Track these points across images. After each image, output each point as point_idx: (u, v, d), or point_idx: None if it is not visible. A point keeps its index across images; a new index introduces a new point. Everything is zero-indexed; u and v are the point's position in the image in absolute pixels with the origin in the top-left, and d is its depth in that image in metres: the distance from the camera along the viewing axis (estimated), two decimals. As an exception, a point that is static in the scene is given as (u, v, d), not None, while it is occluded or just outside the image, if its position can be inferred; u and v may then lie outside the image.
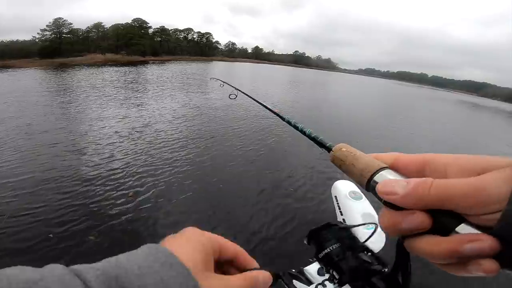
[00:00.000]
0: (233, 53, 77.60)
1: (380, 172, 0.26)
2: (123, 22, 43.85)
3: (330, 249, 0.39)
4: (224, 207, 3.33)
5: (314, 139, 0.44)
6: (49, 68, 20.66)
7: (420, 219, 0.21)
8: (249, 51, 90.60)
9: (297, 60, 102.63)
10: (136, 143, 5.24)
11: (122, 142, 5.26)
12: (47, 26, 36.06)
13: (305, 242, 0.43)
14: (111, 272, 0.20)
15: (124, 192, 3.46)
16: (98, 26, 41.02)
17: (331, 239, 0.39)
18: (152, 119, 7.03)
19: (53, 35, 36.08)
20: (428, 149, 7.36)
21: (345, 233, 0.41)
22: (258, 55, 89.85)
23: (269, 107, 0.89)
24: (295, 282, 0.94)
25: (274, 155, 5.27)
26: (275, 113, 0.79)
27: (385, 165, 0.26)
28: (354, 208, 0.80)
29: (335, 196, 0.86)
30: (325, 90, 22.91)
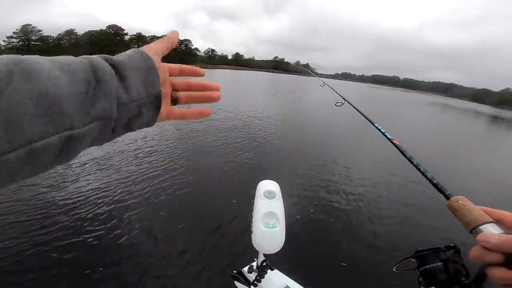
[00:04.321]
0: (213, 60, 77.20)
1: (485, 225, 0.35)
2: (97, 28, 42.53)
3: (430, 265, 0.46)
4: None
5: (435, 185, 0.50)
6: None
7: (496, 258, 0.32)
8: (230, 57, 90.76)
9: (277, 65, 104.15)
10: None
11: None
12: (14, 33, 34.11)
13: (411, 258, 0.50)
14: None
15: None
16: (70, 33, 39.33)
17: (435, 260, 0.47)
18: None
19: (21, 43, 34.16)
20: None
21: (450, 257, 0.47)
22: (238, 62, 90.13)
23: (388, 136, 0.79)
24: (236, 283, 0.99)
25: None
26: (394, 144, 0.72)
27: (490, 220, 0.36)
28: (262, 206, 0.84)
29: (256, 195, 0.89)
30: (313, 95, 23.38)
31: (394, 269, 0.52)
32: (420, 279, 0.47)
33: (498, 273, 0.32)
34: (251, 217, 0.85)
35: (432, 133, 12.55)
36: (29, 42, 34.89)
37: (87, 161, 4.86)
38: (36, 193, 3.78)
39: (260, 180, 0.95)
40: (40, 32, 35.94)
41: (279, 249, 0.83)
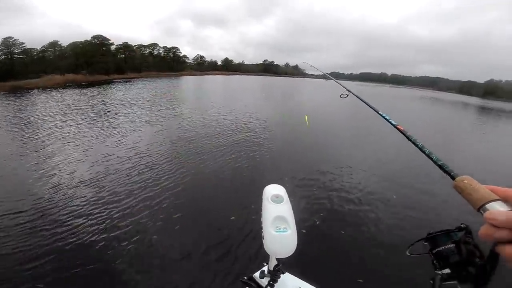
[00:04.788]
0: (202, 67, 76.75)
1: (491, 203, 0.36)
2: (82, 39, 41.62)
3: (443, 247, 0.46)
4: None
5: (440, 166, 0.50)
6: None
7: (505, 234, 0.32)
8: (219, 63, 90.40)
9: (267, 69, 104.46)
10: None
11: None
12: (-5, 46, 33.12)
13: (423, 241, 0.49)
14: None
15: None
16: (54, 44, 38.35)
17: (447, 241, 0.47)
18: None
19: (3, 56, 33.23)
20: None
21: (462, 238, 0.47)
22: (228, 67, 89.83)
23: (393, 122, 0.80)
24: None
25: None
26: (399, 130, 0.73)
27: (496, 198, 0.36)
28: (271, 210, 0.84)
29: (262, 200, 0.90)
30: (306, 96, 23.41)
31: (407, 253, 0.52)
32: (434, 261, 0.47)
33: (509, 250, 0.32)
34: (261, 222, 0.85)
35: (427, 128, 12.58)
36: (12, 55, 33.93)
37: (78, 184, 4.55)
38: (25, 221, 3.46)
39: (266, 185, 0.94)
40: (23, 45, 34.97)
41: (292, 253, 0.82)
